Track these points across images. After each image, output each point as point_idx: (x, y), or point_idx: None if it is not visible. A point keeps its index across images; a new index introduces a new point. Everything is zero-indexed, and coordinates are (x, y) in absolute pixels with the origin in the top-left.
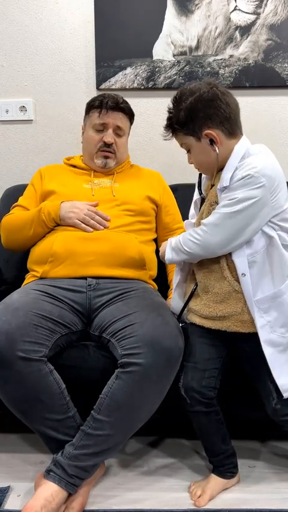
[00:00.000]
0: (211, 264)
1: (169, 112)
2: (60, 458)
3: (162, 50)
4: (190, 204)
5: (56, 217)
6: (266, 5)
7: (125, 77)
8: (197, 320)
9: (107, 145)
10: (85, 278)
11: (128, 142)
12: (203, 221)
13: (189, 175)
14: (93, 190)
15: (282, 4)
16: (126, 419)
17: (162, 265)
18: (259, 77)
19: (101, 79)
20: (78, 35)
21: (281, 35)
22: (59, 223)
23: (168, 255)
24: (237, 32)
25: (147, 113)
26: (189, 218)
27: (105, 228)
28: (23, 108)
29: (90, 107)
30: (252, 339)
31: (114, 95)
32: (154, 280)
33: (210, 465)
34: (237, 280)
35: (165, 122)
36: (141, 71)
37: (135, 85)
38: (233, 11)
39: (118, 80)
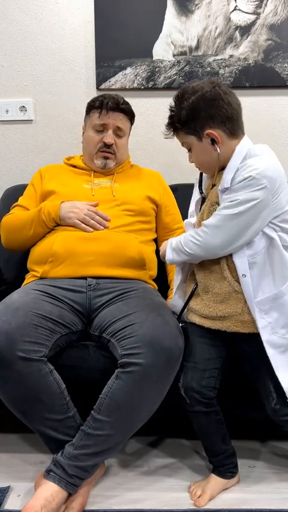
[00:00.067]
0: (211, 264)
1: (171, 110)
2: (60, 458)
3: (162, 50)
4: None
5: (56, 217)
6: (266, 5)
7: (125, 77)
8: (197, 320)
9: (107, 146)
10: (85, 278)
11: (128, 142)
12: (204, 222)
13: (189, 175)
14: (93, 190)
15: (282, 4)
16: (126, 419)
17: (162, 265)
18: (259, 77)
19: (101, 79)
20: (78, 35)
21: (281, 35)
22: (59, 223)
23: (169, 255)
24: (237, 32)
25: (147, 113)
26: (189, 216)
27: (105, 228)
28: (23, 108)
29: (91, 107)
30: (252, 340)
31: (115, 95)
32: (154, 280)
33: (210, 465)
34: (238, 281)
35: (165, 122)
36: (141, 71)
37: (135, 85)
38: (233, 11)
39: (118, 80)
